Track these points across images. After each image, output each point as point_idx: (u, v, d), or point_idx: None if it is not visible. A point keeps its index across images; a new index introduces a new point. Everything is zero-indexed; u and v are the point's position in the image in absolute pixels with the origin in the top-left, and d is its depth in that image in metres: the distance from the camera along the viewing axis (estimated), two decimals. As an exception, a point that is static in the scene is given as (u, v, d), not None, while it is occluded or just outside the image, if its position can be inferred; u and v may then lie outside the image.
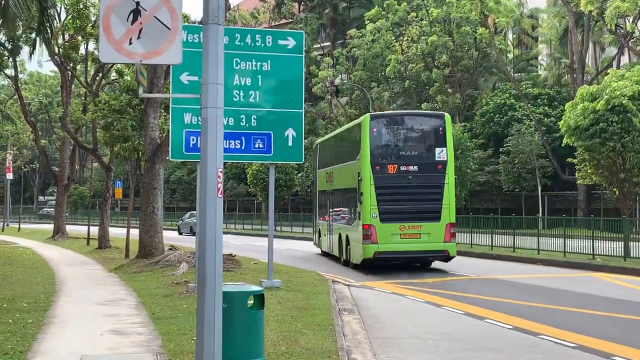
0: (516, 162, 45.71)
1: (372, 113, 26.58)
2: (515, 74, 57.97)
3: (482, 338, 11.32)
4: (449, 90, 55.53)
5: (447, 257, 22.35)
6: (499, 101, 51.87)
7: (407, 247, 21.54)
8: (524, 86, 52.23)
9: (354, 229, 22.83)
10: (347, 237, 23.88)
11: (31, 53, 33.96)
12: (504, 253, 27.63)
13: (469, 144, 39.75)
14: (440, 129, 22.33)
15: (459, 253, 29.02)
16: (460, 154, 37.83)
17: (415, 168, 21.83)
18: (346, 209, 24.70)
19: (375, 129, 22.05)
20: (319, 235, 29.60)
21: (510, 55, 60.84)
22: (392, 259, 22.25)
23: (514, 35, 63.31)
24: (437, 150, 22.03)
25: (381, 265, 22.52)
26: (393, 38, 58.76)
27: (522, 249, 27.68)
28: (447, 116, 23.09)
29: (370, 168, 21.58)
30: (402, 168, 21.78)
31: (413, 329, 12.10)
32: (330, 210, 27.08)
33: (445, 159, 21.97)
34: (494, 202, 53.26)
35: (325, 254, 28.81)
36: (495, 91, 55.47)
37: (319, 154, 30.10)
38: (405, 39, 57.48)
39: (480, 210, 49.92)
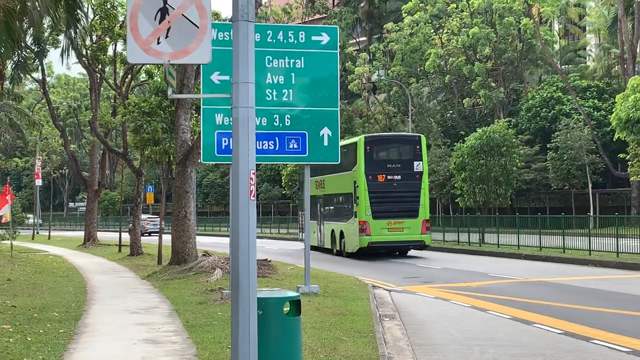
0: (565, 158, 45.25)
1: (366, 135, 33.74)
2: (562, 66, 57.40)
3: (531, 343, 11.23)
4: (492, 84, 55.16)
5: (422, 246, 29.58)
6: (545, 95, 51.40)
7: (393, 238, 28.68)
8: (572, 78, 51.69)
9: (350, 224, 29.48)
10: (341, 231, 30.44)
11: (62, 54, 34.43)
12: (553, 254, 27.36)
13: (514, 140, 39.38)
14: (417, 147, 29.30)
15: (506, 255, 29.08)
16: (506, 150, 37.50)
17: (399, 177, 28.87)
18: (340, 209, 31.36)
19: (368, 147, 28.81)
20: None
21: (557, 47, 60.24)
22: (381, 248, 28.97)
23: (560, 25, 62.68)
24: (415, 163, 29.03)
25: (370, 253, 28.88)
26: (432, 31, 58.54)
27: (572, 249, 27.37)
28: (422, 137, 30.53)
29: (365, 177, 28.47)
30: (389, 177, 28.79)
31: (458, 334, 12.04)
32: (321, 210, 33.31)
33: (422, 170, 29.05)
34: (542, 201, 52.81)
35: (313, 248, 32.17)
36: (542, 84, 55.01)
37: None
38: (445, 31, 57.26)
39: (528, 209, 49.54)
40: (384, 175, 28.62)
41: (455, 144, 42.02)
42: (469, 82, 56.10)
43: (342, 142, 33.36)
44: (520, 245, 30.28)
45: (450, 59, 56.03)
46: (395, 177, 28.79)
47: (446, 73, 57.26)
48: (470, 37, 52.86)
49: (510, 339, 11.60)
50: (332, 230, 31.64)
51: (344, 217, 30.26)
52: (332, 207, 32.65)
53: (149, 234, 57.27)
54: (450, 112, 60.65)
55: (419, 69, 59.60)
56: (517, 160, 39.26)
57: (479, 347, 10.95)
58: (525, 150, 48.00)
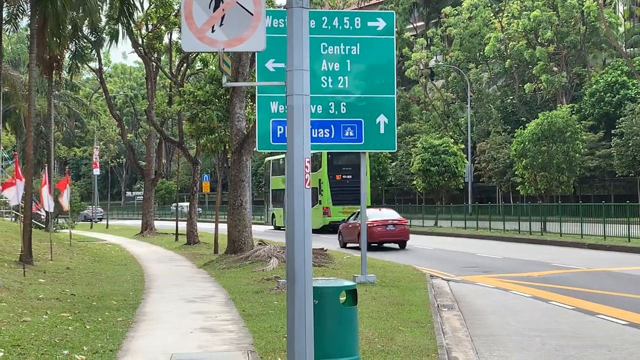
0: (630, 144, 44.28)
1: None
2: (628, 49, 56.09)
3: (594, 335, 11.06)
4: (554, 68, 54.29)
5: None
6: (609, 79, 50.37)
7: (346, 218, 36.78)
8: (637, 62, 50.50)
9: (315, 209, 40.22)
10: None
11: (111, 41, 34.99)
12: (618, 243, 26.88)
13: (577, 126, 38.69)
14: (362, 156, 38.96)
15: (569, 244, 28.77)
16: (568, 137, 36.88)
17: (350, 177, 41.25)
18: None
19: (329, 156, 40.97)
20: (273, 217, 49.59)
21: (621, 29, 58.86)
22: (337, 226, 36.29)
23: (625, 7, 61.24)
24: (361, 167, 37.72)
25: (328, 230, 39.69)
26: (492, 14, 57.80)
27: (637, 238, 26.88)
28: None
29: (327, 176, 41.31)
30: (343, 176, 41.33)
31: (518, 325, 11.93)
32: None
33: (365, 171, 37.42)
34: (606, 188, 51.85)
35: (278, 228, 45.92)
36: (606, 68, 53.89)
37: (271, 167, 49.81)
38: (505, 15, 56.48)
39: (591, 197, 48.68)
40: (340, 175, 41.24)
41: (516, 130, 41.48)
42: (530, 66, 55.29)
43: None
44: (583, 234, 29.82)
45: (511, 43, 55.25)
46: (347, 176, 41.31)
47: (506, 58, 56.49)
48: (532, 20, 52.03)
49: (573, 330, 11.45)
50: None
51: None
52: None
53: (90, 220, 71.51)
54: (511, 97, 59.87)
55: (478, 54, 58.92)
56: (580, 147, 38.59)
57: (540, 338, 10.82)
58: (589, 136, 47.14)
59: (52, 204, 24.31)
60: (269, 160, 51.79)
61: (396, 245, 29.99)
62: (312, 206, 39.12)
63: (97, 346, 9.76)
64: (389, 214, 30.55)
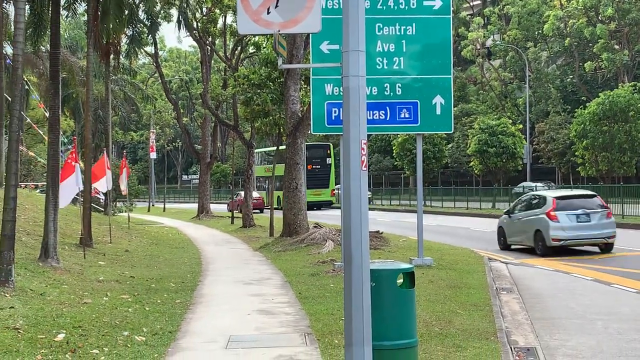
0: (695, 123, 43.20)
1: (307, 144, 63.55)
2: (693, 25, 54.62)
3: (658, 319, 10.86)
4: (616, 46, 53.15)
5: (331, 204, 54.36)
6: (674, 56, 49.15)
7: (316, 199, 51.64)
8: None
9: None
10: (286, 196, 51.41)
11: (179, 25, 35.39)
12: (683, 226, 26.31)
13: (639, 105, 37.90)
14: (328, 150, 55.20)
15: (629, 226, 28.26)
16: (631, 116, 36.15)
17: (318, 166, 53.22)
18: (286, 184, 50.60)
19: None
20: None
21: (687, 4, 57.34)
22: (310, 204, 43.40)
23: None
24: (327, 159, 54.90)
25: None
26: (550, -8, 56.74)
27: (703, 220, 26.26)
28: (330, 144, 55.22)
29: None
30: (314, 166, 50.92)
31: (579, 308, 11.77)
32: (270, 185, 53.00)
33: (330, 163, 54.76)
34: (671, 169, 50.72)
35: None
36: (670, 45, 52.60)
37: (258, 157, 56.88)
38: (564, -8, 55.42)
39: (655, 178, 47.62)
40: (311, 165, 48.80)
41: (576, 110, 40.82)
42: (590, 45, 54.26)
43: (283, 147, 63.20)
44: (646, 216, 29.24)
45: (570, 21, 54.25)
46: (317, 166, 52.66)
47: (566, 36, 55.51)
48: (592, -3, 51.01)
49: (636, 314, 11.26)
50: (278, 197, 49.47)
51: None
52: (279, 183, 53.55)
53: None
54: (571, 77, 58.87)
55: (536, 33, 58.03)
56: (644, 126, 37.82)
57: (602, 321, 10.67)
58: (652, 115, 46.10)
59: (110, 185, 24.69)
60: (257, 153, 58.47)
61: (453, 230, 29.93)
62: None
63: (156, 327, 9.93)
64: (255, 194, 45.22)
